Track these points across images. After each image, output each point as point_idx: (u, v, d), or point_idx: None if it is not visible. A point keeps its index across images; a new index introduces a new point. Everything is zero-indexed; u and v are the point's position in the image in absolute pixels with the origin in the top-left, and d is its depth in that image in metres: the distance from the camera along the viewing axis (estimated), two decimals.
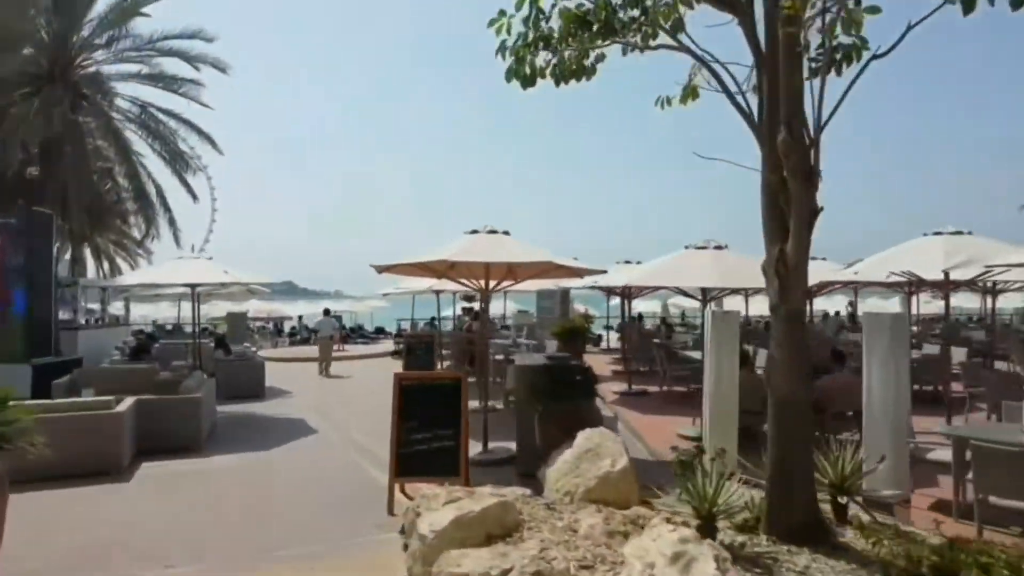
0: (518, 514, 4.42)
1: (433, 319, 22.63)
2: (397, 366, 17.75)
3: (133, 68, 19.92)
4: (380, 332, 32.59)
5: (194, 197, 21.63)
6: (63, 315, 14.08)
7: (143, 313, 31.40)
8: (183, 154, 20.36)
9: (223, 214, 26.07)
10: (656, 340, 15.75)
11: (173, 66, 19.98)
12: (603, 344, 23.24)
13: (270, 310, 32.63)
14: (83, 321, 17.75)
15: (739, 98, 5.06)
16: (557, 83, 4.97)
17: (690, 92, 5.24)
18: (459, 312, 19.59)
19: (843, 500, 4.57)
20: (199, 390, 8.82)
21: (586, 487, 4.94)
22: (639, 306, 24.17)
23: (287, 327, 33.82)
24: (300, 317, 34.38)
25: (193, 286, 11.96)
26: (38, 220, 11.76)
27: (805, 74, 4.10)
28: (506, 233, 7.88)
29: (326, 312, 18.61)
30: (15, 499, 6.21)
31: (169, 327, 26.14)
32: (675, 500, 5.29)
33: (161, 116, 20.18)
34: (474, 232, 7.82)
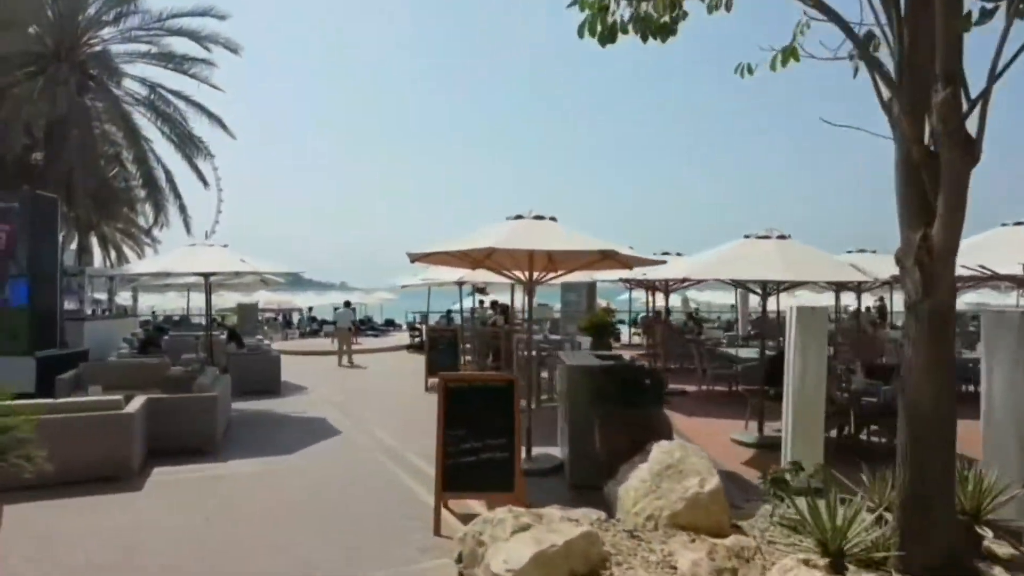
0: (602, 545, 3.76)
1: (450, 311, 21.97)
2: (414, 360, 17.20)
3: (142, 48, 19.19)
4: (390, 324, 31.98)
5: (204, 183, 20.90)
6: (69, 305, 13.45)
7: (151, 303, 30.79)
8: (193, 138, 19.60)
9: (226, 203, 25.27)
10: (688, 336, 15.05)
11: (183, 46, 19.26)
12: (623, 339, 22.53)
13: (280, 301, 31.95)
14: (89, 311, 17.13)
15: (846, 60, 4.41)
16: (644, 39, 4.28)
17: (790, 53, 4.54)
18: (475, 305, 18.95)
19: (983, 531, 3.88)
20: (214, 387, 8.17)
21: (671, 511, 4.26)
22: (662, 300, 23.47)
23: (295, 319, 33.20)
24: (310, 308, 33.77)
25: (207, 275, 11.26)
26: (42, 205, 11.12)
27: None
28: (553, 219, 7.14)
29: (346, 304, 18.61)
30: (15, 510, 5.55)
31: (176, 318, 25.53)
32: (768, 523, 4.61)
33: (171, 98, 19.44)
34: (518, 217, 7.04)
